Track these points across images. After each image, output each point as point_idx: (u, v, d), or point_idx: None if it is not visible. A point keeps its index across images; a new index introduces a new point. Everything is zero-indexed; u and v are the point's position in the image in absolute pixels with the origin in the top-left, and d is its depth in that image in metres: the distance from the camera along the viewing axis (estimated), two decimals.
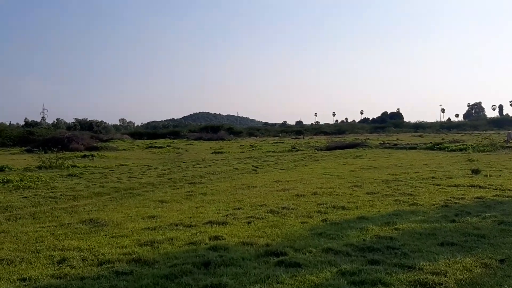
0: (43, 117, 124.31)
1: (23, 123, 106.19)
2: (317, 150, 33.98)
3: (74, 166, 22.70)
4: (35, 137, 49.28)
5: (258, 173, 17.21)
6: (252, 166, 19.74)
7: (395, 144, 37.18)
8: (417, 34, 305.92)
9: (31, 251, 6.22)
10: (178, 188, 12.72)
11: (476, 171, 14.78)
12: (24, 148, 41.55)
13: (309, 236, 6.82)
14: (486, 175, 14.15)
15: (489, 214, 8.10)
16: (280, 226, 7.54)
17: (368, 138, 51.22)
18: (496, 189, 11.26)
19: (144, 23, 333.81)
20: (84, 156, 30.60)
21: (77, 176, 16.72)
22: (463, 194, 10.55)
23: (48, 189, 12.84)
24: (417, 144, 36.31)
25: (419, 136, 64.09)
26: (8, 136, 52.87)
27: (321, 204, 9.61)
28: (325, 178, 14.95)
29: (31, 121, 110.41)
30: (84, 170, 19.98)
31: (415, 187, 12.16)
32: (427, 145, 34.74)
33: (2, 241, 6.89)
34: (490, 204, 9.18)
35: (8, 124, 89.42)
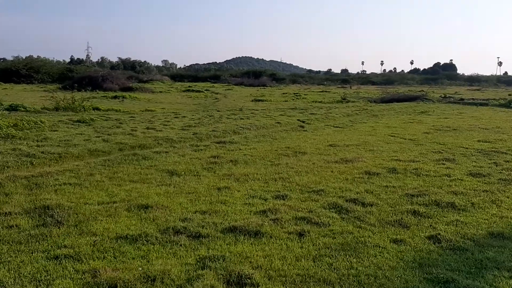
0: (87, 55, 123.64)
1: (69, 60, 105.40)
2: (371, 102, 29.93)
3: (96, 108, 20.05)
4: (74, 75, 47.24)
5: (306, 130, 13.73)
6: (298, 120, 16.23)
7: (462, 99, 32.40)
8: None
9: None
10: (201, 150, 9.48)
11: None
12: (59, 86, 39.60)
13: (423, 286, 3.45)
14: None
15: None
16: (358, 249, 4.16)
17: (423, 90, 45.80)
18: None
19: None
20: (115, 97, 28.01)
21: (86, 123, 13.81)
22: None
23: (36, 141, 9.92)
24: (487, 100, 31.48)
25: (477, 90, 57.72)
26: (47, 72, 51.07)
27: (412, 195, 6.11)
28: (396, 142, 11.31)
29: (77, 58, 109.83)
30: (102, 114, 17.14)
31: None
32: (500, 101, 29.91)
33: None
34: None
35: (53, 60, 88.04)
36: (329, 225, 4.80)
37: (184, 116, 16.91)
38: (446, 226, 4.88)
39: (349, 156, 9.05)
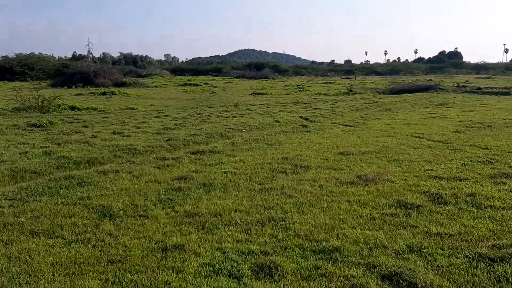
0: (88, 50, 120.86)
1: (70, 56, 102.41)
2: (379, 94, 27.30)
3: (73, 107, 17.65)
4: (70, 71, 44.83)
5: (309, 131, 11.21)
6: (300, 117, 13.72)
7: (479, 88, 29.68)
8: None
9: None
10: (166, 167, 7.00)
11: None
12: (51, 82, 37.31)
13: None
14: None
15: None
16: None
17: (431, 80, 42.81)
18: None
19: None
20: (104, 94, 25.63)
21: (43, 127, 11.36)
22: None
23: None
24: (507, 88, 28.74)
25: (487, 78, 54.68)
26: (42, 69, 48.47)
27: (493, 259, 3.62)
28: (425, 147, 8.79)
29: (78, 54, 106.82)
30: (72, 115, 14.74)
31: None
32: None
33: None
34: None
35: (52, 56, 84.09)
36: None
37: (166, 115, 14.42)
38: None
39: (369, 172, 6.56)
